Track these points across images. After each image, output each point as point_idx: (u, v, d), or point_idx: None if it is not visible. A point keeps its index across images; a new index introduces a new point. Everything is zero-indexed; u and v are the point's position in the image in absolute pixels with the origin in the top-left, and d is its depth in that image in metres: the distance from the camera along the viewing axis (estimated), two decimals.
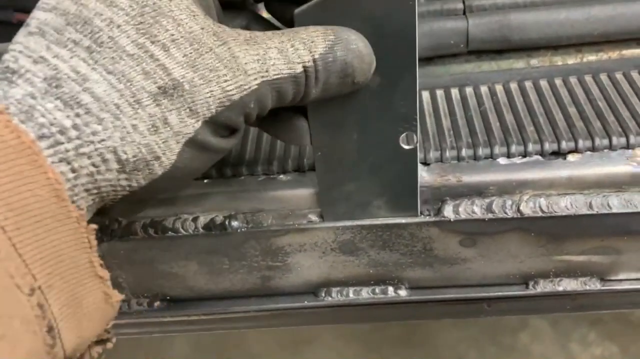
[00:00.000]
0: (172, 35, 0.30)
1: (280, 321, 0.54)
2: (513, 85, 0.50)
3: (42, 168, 0.27)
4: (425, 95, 0.51)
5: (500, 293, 0.50)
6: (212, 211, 0.46)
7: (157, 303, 0.52)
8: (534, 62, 0.54)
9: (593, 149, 0.44)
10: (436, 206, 0.45)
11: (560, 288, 0.49)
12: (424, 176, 0.45)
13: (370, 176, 0.43)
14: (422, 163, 0.45)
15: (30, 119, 0.27)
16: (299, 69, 0.33)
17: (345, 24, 0.35)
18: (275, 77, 0.32)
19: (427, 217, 0.45)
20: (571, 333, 1.42)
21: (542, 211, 0.44)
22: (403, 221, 0.45)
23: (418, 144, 0.40)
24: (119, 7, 0.29)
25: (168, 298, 0.52)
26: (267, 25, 0.41)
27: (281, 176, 0.47)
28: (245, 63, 0.31)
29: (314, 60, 0.33)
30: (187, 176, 0.33)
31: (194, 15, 0.31)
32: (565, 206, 0.44)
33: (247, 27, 0.40)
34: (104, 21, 0.29)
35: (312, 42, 0.33)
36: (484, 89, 0.50)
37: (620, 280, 0.49)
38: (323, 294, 0.51)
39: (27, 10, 0.86)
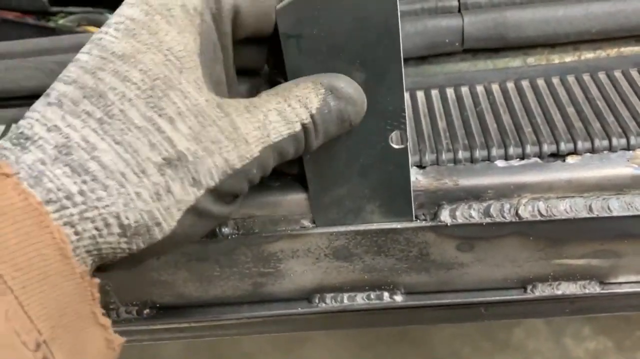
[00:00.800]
0: (179, 108, 0.31)
1: (273, 327, 0.53)
2: (510, 85, 0.49)
3: (48, 229, 0.28)
4: (420, 95, 0.49)
5: (497, 298, 0.49)
6: None
7: (146, 311, 0.51)
8: (531, 60, 0.52)
9: (592, 150, 0.43)
10: (432, 210, 0.44)
11: (559, 292, 0.48)
12: (420, 179, 0.44)
13: (360, 179, 0.42)
14: (417, 166, 0.44)
15: (39, 183, 0.29)
16: (298, 127, 0.34)
17: (327, 19, 0.34)
18: (276, 140, 0.34)
19: (423, 222, 0.44)
20: (565, 328, 1.42)
21: (541, 215, 0.43)
22: (399, 226, 0.44)
23: (409, 144, 0.39)
24: (131, 82, 0.31)
25: (158, 305, 0.51)
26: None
27: (272, 181, 0.45)
28: (247, 132, 0.33)
29: (312, 116, 0.35)
30: (185, 240, 0.34)
31: (199, 89, 0.32)
32: (564, 209, 0.43)
33: (258, 90, 0.40)
34: (117, 95, 0.31)
35: (306, 98, 0.35)
36: (480, 89, 0.49)
37: (620, 283, 0.48)
38: (317, 301, 0.49)
39: (10, 8, 0.84)
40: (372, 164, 0.41)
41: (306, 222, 0.45)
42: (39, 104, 0.32)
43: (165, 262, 0.47)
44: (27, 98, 0.55)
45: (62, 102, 0.31)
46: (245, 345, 1.31)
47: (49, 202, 0.29)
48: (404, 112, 0.38)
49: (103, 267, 0.33)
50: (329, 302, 0.49)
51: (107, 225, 0.30)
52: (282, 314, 0.50)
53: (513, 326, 1.41)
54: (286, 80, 0.37)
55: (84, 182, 0.30)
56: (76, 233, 0.29)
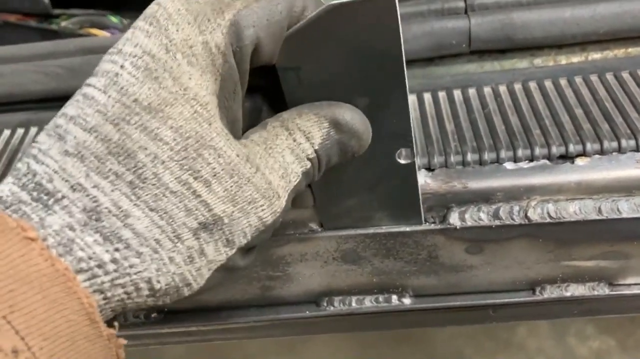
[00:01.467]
0: (214, 169, 0.30)
1: (281, 331, 0.53)
2: (517, 86, 0.49)
3: (76, 294, 0.27)
4: (427, 97, 0.49)
5: (506, 300, 0.49)
6: None
7: (154, 315, 0.51)
8: (538, 61, 0.52)
9: (601, 152, 0.43)
10: (441, 213, 0.44)
11: (568, 294, 0.48)
12: (429, 182, 0.43)
13: (369, 192, 0.41)
14: (426, 169, 0.44)
15: (70, 252, 0.28)
16: (308, 165, 0.34)
17: (326, 50, 0.33)
18: (295, 183, 0.34)
19: (432, 225, 0.44)
20: (568, 327, 1.42)
21: (550, 217, 0.43)
22: (407, 229, 0.44)
23: (416, 158, 0.39)
24: (163, 142, 0.29)
25: (165, 309, 0.51)
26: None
27: None
28: (278, 185, 0.33)
29: (315, 151, 0.34)
30: (207, 291, 0.33)
31: (229, 141, 0.31)
32: (574, 211, 0.43)
33: (260, 109, 0.39)
34: (148, 156, 0.29)
35: (309, 133, 0.34)
36: (487, 90, 0.49)
37: (629, 285, 0.48)
38: (325, 304, 0.49)
39: (12, 11, 0.84)
40: (380, 179, 0.40)
41: (314, 226, 0.45)
42: (54, 150, 0.29)
43: None
44: (33, 102, 0.55)
45: (84, 155, 0.29)
46: (248, 346, 1.31)
47: (79, 271, 0.28)
48: (411, 132, 0.37)
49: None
50: (337, 305, 0.49)
51: (138, 289, 0.29)
52: (291, 318, 0.50)
53: (516, 325, 1.41)
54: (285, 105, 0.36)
55: (117, 250, 0.28)
56: (105, 298, 0.29)
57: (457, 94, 0.49)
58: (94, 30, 0.80)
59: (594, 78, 0.49)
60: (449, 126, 0.46)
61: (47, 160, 0.29)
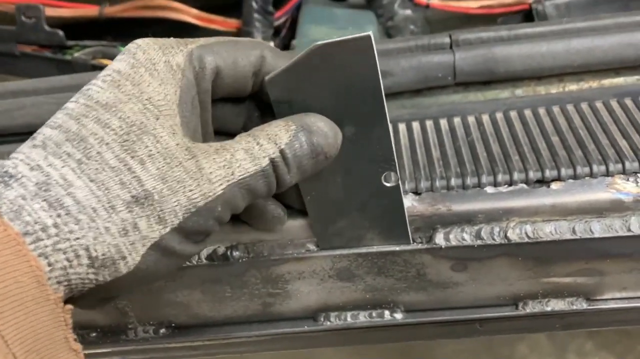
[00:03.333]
0: (150, 151, 0.35)
1: (281, 345, 0.56)
2: (499, 115, 0.53)
3: (25, 257, 0.31)
4: (416, 125, 0.53)
5: (491, 314, 0.52)
6: (214, 242, 0.49)
7: (162, 330, 0.54)
8: (519, 92, 0.56)
9: (575, 177, 0.46)
10: (428, 233, 0.47)
11: (549, 308, 0.51)
12: (416, 205, 0.47)
13: (359, 213, 0.45)
14: (413, 192, 0.48)
15: (18, 217, 0.32)
16: (265, 162, 0.36)
17: (313, 85, 0.37)
18: (241, 177, 0.36)
19: (420, 244, 0.47)
20: (568, 344, 1.43)
21: (528, 237, 0.46)
22: (397, 248, 0.47)
23: (400, 181, 0.43)
24: (110, 128, 0.35)
25: (173, 324, 0.54)
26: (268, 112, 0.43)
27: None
28: (210, 172, 0.35)
29: (281, 151, 0.37)
30: (149, 277, 0.36)
31: (173, 133, 0.36)
32: (550, 231, 0.46)
33: (247, 121, 0.45)
34: (96, 139, 0.34)
35: (275, 135, 0.37)
36: (471, 119, 0.53)
37: (606, 299, 0.51)
38: (322, 319, 0.53)
39: (29, 43, 0.88)
40: (369, 200, 0.44)
41: (311, 246, 0.48)
42: (25, 146, 0.35)
43: (181, 284, 0.50)
44: None
45: (46, 144, 0.34)
46: None
47: (26, 234, 0.31)
48: (394, 156, 0.41)
49: (71, 300, 0.35)
50: (334, 320, 0.53)
51: (77, 256, 0.32)
52: (290, 332, 0.54)
53: (516, 341, 1.42)
54: None
55: (59, 216, 0.32)
56: (49, 264, 0.32)
57: (444, 122, 0.53)
58: (106, 61, 0.85)
59: (570, 107, 0.52)
60: (435, 153, 0.50)
61: (17, 154, 0.34)
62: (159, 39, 0.39)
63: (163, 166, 0.35)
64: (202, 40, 0.40)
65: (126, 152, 0.34)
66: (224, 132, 0.44)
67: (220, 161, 0.36)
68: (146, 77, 0.36)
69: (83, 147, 0.34)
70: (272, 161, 0.37)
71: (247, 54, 0.40)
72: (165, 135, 0.35)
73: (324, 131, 0.38)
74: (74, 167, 0.33)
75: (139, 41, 0.39)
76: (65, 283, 0.33)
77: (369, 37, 0.35)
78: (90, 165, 0.34)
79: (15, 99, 0.59)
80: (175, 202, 0.34)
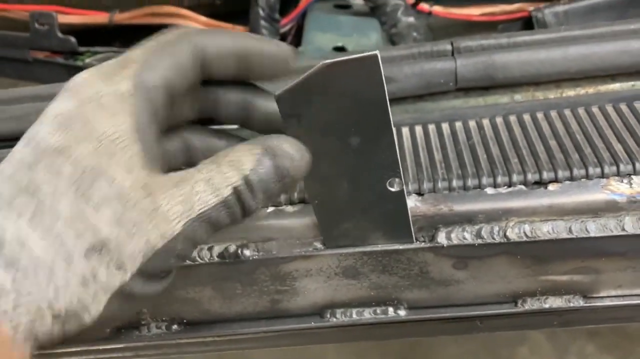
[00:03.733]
0: (105, 194, 0.33)
1: (289, 341, 0.58)
2: (499, 120, 0.55)
3: None
4: (418, 129, 0.55)
5: (491, 311, 0.54)
6: (225, 240, 0.51)
7: (174, 326, 0.56)
8: (518, 97, 0.58)
9: (571, 178, 0.49)
10: (430, 233, 0.49)
11: (547, 306, 0.53)
12: (419, 205, 0.49)
13: (364, 216, 0.47)
14: (416, 193, 0.50)
15: None
16: (227, 191, 0.35)
17: (321, 100, 0.39)
18: (200, 211, 0.35)
19: (422, 243, 0.49)
20: (569, 346, 1.45)
21: (527, 236, 0.48)
22: (400, 247, 0.49)
23: (405, 186, 0.44)
24: (63, 175, 0.33)
25: (185, 321, 0.56)
26: (209, 135, 0.44)
27: (288, 207, 0.51)
28: (167, 210, 0.34)
29: (245, 177, 0.36)
30: (115, 321, 0.36)
31: (129, 170, 0.34)
32: (547, 231, 0.48)
33: (188, 145, 0.44)
34: (50, 188, 0.33)
35: (239, 161, 0.36)
36: (472, 124, 0.55)
37: (602, 297, 0.53)
38: (328, 315, 0.54)
39: (42, 49, 0.91)
40: (374, 204, 0.46)
41: (318, 245, 0.50)
42: None
43: (193, 281, 0.52)
44: None
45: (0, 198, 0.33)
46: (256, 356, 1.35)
47: None
48: (398, 164, 0.43)
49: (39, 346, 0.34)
50: (339, 317, 0.54)
51: (40, 314, 0.32)
52: (297, 328, 0.55)
53: (516, 343, 1.44)
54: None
55: (16, 274, 0.31)
56: (13, 326, 0.31)
57: (445, 127, 0.55)
58: None
59: (567, 112, 0.55)
60: (437, 156, 0.52)
61: None
62: (100, 68, 0.37)
63: (118, 209, 0.33)
64: (142, 55, 0.37)
65: (80, 199, 0.33)
66: (219, 122, 0.44)
67: (178, 196, 0.34)
68: (95, 113, 0.35)
69: (37, 199, 0.33)
70: (236, 190, 0.35)
71: (183, 55, 0.38)
72: (120, 174, 0.34)
73: (289, 153, 0.37)
74: (28, 221, 0.32)
75: (80, 76, 0.37)
76: (32, 339, 0.32)
77: (375, 56, 0.36)
78: (45, 217, 0.32)
79: (33, 104, 0.62)
80: (133, 246, 0.33)
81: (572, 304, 0.53)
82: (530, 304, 0.53)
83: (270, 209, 0.51)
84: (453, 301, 0.54)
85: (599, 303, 0.53)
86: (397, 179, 0.44)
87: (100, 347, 0.60)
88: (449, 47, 0.58)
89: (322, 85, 0.38)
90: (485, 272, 0.51)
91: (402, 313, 0.55)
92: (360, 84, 0.38)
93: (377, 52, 0.36)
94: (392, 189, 0.45)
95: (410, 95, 0.58)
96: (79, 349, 0.60)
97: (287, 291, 0.53)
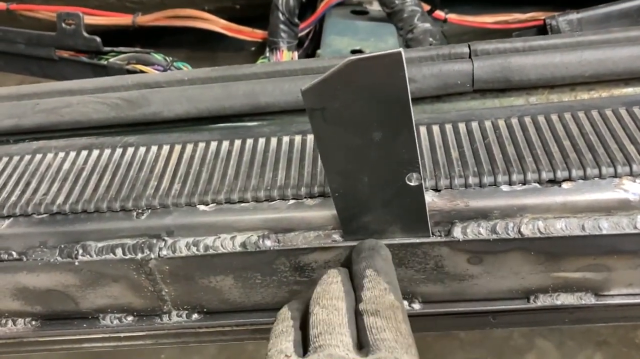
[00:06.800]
0: None
1: None
2: (514, 120, 0.56)
3: None
4: (436, 129, 0.57)
5: (504, 307, 0.55)
6: (247, 231, 0.52)
7: (194, 315, 0.58)
8: (533, 99, 0.60)
9: (585, 177, 0.50)
10: (446, 227, 0.51)
11: (559, 302, 0.54)
12: (436, 201, 0.51)
13: (383, 209, 0.49)
14: (433, 189, 0.51)
15: None
16: None
17: (346, 95, 0.40)
18: None
19: (439, 237, 0.51)
20: (577, 355, 1.45)
21: (540, 232, 0.49)
22: (417, 241, 0.51)
23: (423, 180, 0.46)
24: None
25: (205, 310, 0.58)
26: None
27: (308, 201, 0.53)
28: None
29: None
30: None
31: None
32: (560, 227, 0.49)
33: None
34: None
35: None
36: (487, 124, 0.56)
37: (613, 295, 0.54)
38: None
39: (67, 48, 0.94)
40: (393, 198, 0.47)
41: (337, 237, 0.52)
42: None
43: (215, 271, 0.54)
44: (95, 128, 0.63)
45: None
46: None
47: None
48: (418, 159, 0.44)
49: None
50: None
51: None
52: None
53: (525, 351, 1.44)
54: None
55: None
56: None
57: (462, 126, 0.57)
58: (140, 66, 0.90)
59: (581, 114, 0.56)
60: (454, 154, 0.54)
61: None
62: None
63: None
64: None
65: None
66: None
67: None
68: None
69: None
70: None
71: None
72: None
73: None
74: None
75: None
76: None
77: (399, 53, 0.38)
78: None
79: (62, 98, 0.64)
80: None
81: (583, 302, 0.54)
82: (543, 301, 0.54)
83: (291, 201, 0.53)
84: (467, 296, 0.55)
85: (609, 301, 0.54)
86: (415, 174, 0.46)
87: (121, 334, 0.62)
88: (466, 49, 0.60)
89: (347, 80, 0.40)
90: (499, 267, 0.52)
91: (416, 306, 0.56)
92: (384, 80, 0.40)
93: (401, 49, 0.38)
94: (411, 184, 0.46)
95: (428, 95, 0.59)
96: (99, 336, 0.62)
97: (305, 282, 0.55)
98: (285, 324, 0.46)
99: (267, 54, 0.93)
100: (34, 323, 0.60)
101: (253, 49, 1.11)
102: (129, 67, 0.89)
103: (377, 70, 0.39)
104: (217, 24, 0.98)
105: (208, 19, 0.99)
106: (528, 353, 1.45)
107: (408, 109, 0.41)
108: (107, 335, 0.61)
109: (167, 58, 0.90)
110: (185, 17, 1.00)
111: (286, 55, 0.92)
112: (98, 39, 0.90)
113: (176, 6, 1.01)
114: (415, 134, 0.43)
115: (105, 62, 0.91)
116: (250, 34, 0.98)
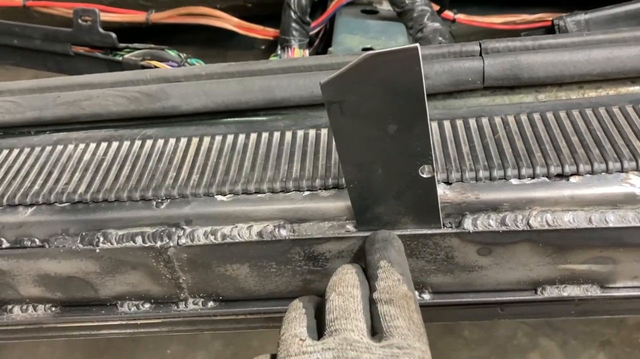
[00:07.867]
0: None
1: None
2: (523, 117, 0.58)
3: None
4: (447, 124, 0.58)
5: (512, 298, 0.57)
6: (263, 220, 0.54)
7: (210, 303, 0.60)
8: (542, 97, 0.61)
9: (592, 172, 0.52)
10: (457, 219, 0.52)
11: (565, 294, 0.56)
12: (447, 193, 0.52)
13: (395, 201, 0.50)
14: (445, 182, 0.53)
15: None
16: None
17: (363, 88, 0.42)
18: None
19: (449, 229, 0.52)
20: (580, 354, 1.46)
21: (549, 225, 0.51)
22: (428, 231, 0.53)
23: (436, 173, 0.47)
24: None
25: (221, 298, 0.59)
26: None
27: (323, 192, 0.55)
28: None
29: None
30: None
31: None
32: (568, 220, 0.51)
33: None
34: None
35: None
36: (497, 120, 0.58)
37: (618, 287, 0.56)
38: None
39: (83, 44, 0.95)
40: (406, 189, 0.49)
41: (350, 227, 0.53)
42: None
43: (232, 259, 0.55)
44: (115, 121, 0.65)
45: None
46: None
47: None
48: (431, 152, 0.46)
49: None
50: None
51: None
52: None
53: (528, 350, 1.46)
54: None
55: None
56: None
57: (472, 122, 0.58)
58: (154, 63, 0.91)
59: (588, 112, 0.58)
60: (465, 148, 0.55)
61: None
62: None
63: None
64: None
65: None
66: None
67: None
68: None
69: None
70: None
71: None
72: None
73: None
74: None
75: None
76: None
77: (416, 48, 0.40)
78: None
79: (83, 91, 0.66)
80: None
81: (589, 293, 0.55)
82: (550, 292, 0.56)
83: (306, 193, 0.55)
84: (475, 287, 0.57)
85: (615, 293, 0.56)
86: (428, 167, 0.47)
87: (138, 321, 0.63)
88: (477, 47, 0.61)
89: (365, 74, 0.41)
90: (507, 259, 0.54)
91: (427, 296, 0.58)
92: (400, 74, 0.41)
93: (417, 45, 0.40)
94: (424, 176, 0.48)
95: (440, 92, 0.61)
96: (117, 323, 0.64)
97: (319, 271, 0.56)
98: (298, 311, 0.47)
99: (279, 52, 0.95)
100: (53, 309, 0.62)
101: (263, 47, 1.13)
102: (144, 63, 0.91)
103: (394, 64, 0.41)
104: (229, 22, 1.00)
105: (220, 17, 1.00)
106: (531, 352, 1.46)
107: (423, 103, 0.43)
108: (124, 322, 0.63)
109: (181, 55, 0.91)
110: (198, 14, 1.02)
111: (297, 53, 0.94)
112: (114, 35, 0.92)
113: (189, 4, 1.03)
114: (431, 127, 0.45)
115: (120, 58, 0.93)
116: (262, 32, 0.99)
